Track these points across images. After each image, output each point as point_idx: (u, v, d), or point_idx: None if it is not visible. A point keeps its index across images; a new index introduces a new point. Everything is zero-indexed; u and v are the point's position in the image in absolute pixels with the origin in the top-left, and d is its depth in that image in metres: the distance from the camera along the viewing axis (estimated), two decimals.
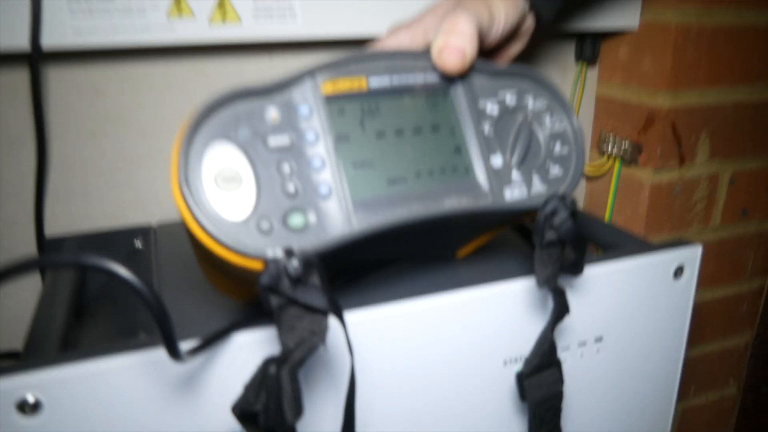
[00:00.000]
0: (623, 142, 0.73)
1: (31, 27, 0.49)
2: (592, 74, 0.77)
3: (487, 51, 0.46)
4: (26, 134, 0.57)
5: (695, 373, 0.88)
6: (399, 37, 0.42)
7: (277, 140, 0.34)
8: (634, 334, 0.47)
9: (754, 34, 0.71)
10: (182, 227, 0.62)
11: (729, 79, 0.71)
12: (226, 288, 0.43)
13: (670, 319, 0.49)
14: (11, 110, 0.56)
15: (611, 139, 0.74)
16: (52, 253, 0.58)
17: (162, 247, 0.58)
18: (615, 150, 0.74)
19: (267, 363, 0.30)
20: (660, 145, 0.70)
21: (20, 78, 0.55)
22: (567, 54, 0.75)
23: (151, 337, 0.34)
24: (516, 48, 0.50)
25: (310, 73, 0.35)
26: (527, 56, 0.51)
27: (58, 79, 0.57)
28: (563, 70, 0.76)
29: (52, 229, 0.60)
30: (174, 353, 0.29)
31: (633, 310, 0.47)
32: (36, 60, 0.51)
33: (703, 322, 0.85)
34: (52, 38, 0.50)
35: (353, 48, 0.64)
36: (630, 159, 0.73)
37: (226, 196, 0.32)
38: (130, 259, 0.61)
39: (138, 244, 0.62)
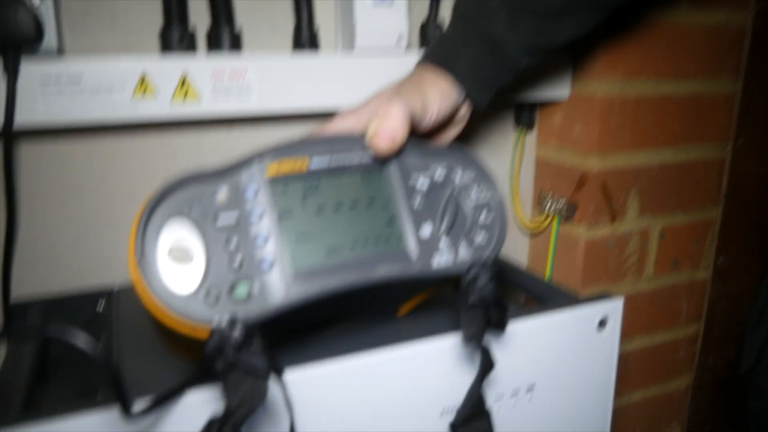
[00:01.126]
0: (560, 200, 0.78)
1: (6, 107, 0.52)
2: (531, 138, 0.83)
3: (424, 134, 0.50)
4: None
5: (639, 417, 0.92)
6: (347, 121, 0.46)
7: (226, 218, 0.37)
8: (563, 383, 0.51)
9: (673, 102, 0.77)
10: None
11: (654, 142, 0.78)
12: (179, 346, 0.46)
13: (597, 368, 0.53)
14: None
15: (549, 198, 0.79)
16: (17, 323, 0.60)
17: (123, 309, 0.60)
18: (553, 208, 0.79)
19: (210, 424, 0.33)
20: (593, 203, 0.76)
21: None
22: (507, 121, 0.81)
23: (107, 397, 0.36)
24: (453, 132, 0.55)
25: (259, 156, 0.39)
26: (469, 124, 0.56)
27: (28, 152, 0.60)
28: (504, 136, 0.81)
29: (18, 291, 0.62)
30: (127, 413, 0.32)
31: (561, 361, 0.50)
32: (9, 137, 0.54)
33: (644, 367, 0.89)
34: (24, 116, 0.53)
35: (307, 121, 0.69)
36: (567, 216, 0.78)
37: (178, 270, 0.35)
38: (92, 322, 0.63)
39: (100, 307, 0.64)
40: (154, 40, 0.61)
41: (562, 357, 0.50)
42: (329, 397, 0.41)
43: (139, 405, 0.34)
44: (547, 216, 0.80)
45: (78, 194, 0.63)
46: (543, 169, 0.82)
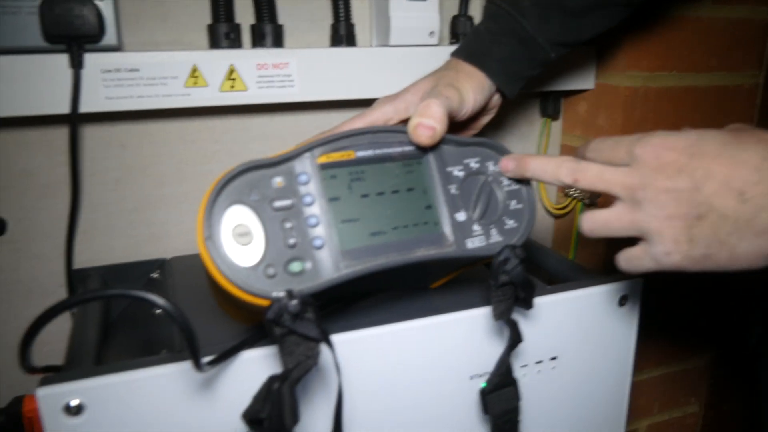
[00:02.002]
0: None
1: (72, 94, 0.56)
2: (557, 127, 0.85)
3: (458, 124, 0.54)
4: (60, 182, 0.64)
5: (659, 392, 0.95)
6: (384, 108, 0.50)
7: (281, 202, 0.41)
8: (585, 355, 0.54)
9: (695, 94, 0.79)
10: (193, 260, 0.70)
11: None
12: (235, 314, 0.51)
13: (617, 342, 0.56)
14: (48, 161, 0.64)
15: None
16: (82, 287, 0.65)
17: (176, 277, 0.65)
18: (577, 193, 0.82)
19: (271, 380, 0.37)
20: None
21: (57, 135, 0.63)
22: (533, 110, 0.84)
23: (173, 354, 0.41)
24: (485, 119, 0.58)
25: (309, 149, 0.43)
26: (499, 112, 0.59)
27: (89, 135, 0.65)
28: (530, 124, 0.84)
29: (79, 261, 0.67)
30: (197, 365, 0.37)
31: (584, 335, 0.54)
32: (74, 122, 0.59)
33: (664, 344, 0.92)
34: (88, 103, 0.58)
35: (343, 108, 0.72)
36: (590, 201, 0.81)
37: (240, 248, 0.40)
38: (149, 288, 0.68)
39: (155, 274, 0.69)
40: (203, 36, 0.65)
41: (585, 331, 0.53)
42: (371, 360, 0.45)
43: (205, 359, 0.38)
44: (572, 200, 0.83)
45: (133, 173, 0.68)
46: (568, 155, 0.84)
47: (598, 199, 0.80)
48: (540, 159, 0.46)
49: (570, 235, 0.85)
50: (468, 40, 0.56)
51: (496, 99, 0.57)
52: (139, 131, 0.67)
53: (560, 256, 0.72)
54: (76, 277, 0.66)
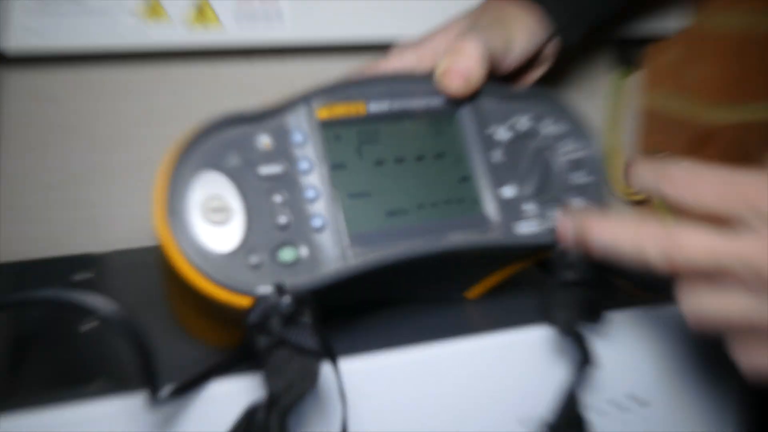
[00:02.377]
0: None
1: None
2: (635, 80, 0.86)
3: (503, 76, 0.54)
4: None
5: None
6: (404, 58, 0.51)
7: (269, 169, 0.42)
8: (687, 398, 0.54)
9: None
10: (137, 257, 0.71)
11: None
12: (200, 331, 0.52)
13: (728, 382, 0.54)
14: None
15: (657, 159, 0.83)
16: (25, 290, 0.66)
17: (113, 279, 0.66)
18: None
19: (253, 410, 0.38)
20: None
21: None
22: (603, 59, 0.84)
23: (115, 383, 0.41)
24: (537, 73, 0.59)
25: (305, 98, 0.44)
26: (556, 61, 0.60)
27: (6, 83, 0.66)
28: (598, 78, 0.85)
29: None
30: (154, 397, 0.37)
31: (683, 369, 0.53)
32: None
33: None
34: (13, 40, 0.59)
35: (348, 54, 0.73)
36: None
37: (214, 228, 0.40)
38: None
39: (82, 275, 0.69)
40: None
41: (685, 364, 0.53)
42: (384, 394, 0.46)
43: (165, 390, 0.39)
44: None
45: (58, 135, 0.69)
46: (651, 121, 0.85)
47: None
48: (611, 222, 0.42)
49: None
50: None
51: (552, 46, 0.58)
52: (69, 79, 0.67)
53: None
54: None
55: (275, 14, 0.64)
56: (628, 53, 0.83)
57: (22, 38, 0.59)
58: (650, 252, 0.39)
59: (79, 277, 0.68)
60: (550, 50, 0.58)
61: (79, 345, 0.58)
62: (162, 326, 0.54)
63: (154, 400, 0.38)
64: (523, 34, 0.53)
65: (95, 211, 0.72)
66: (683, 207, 0.39)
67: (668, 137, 0.84)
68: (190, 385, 0.40)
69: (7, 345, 0.55)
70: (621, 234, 0.41)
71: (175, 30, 0.62)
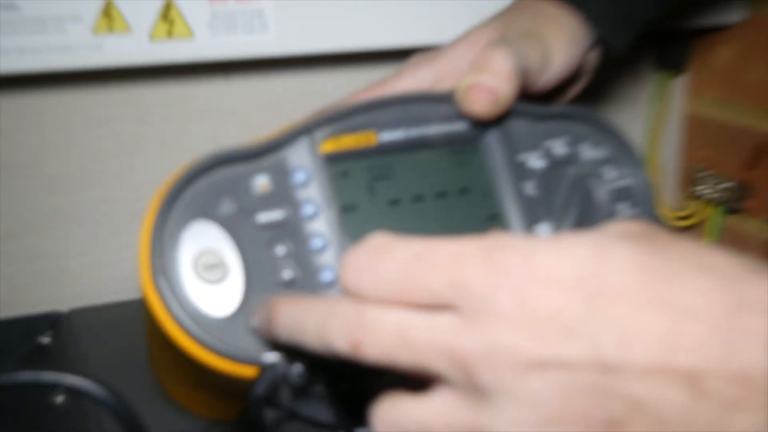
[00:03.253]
0: (724, 180, 0.82)
1: None
2: (680, 85, 0.87)
3: (538, 95, 0.54)
4: None
5: None
6: (419, 76, 0.51)
7: (268, 215, 0.43)
8: None
9: None
10: (106, 313, 0.71)
11: None
12: (192, 401, 0.52)
13: None
14: None
15: (707, 177, 0.84)
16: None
17: (82, 341, 0.66)
18: (713, 193, 0.83)
19: None
20: None
21: None
22: (644, 60, 0.85)
23: None
24: (577, 88, 0.59)
25: (306, 129, 0.44)
26: None
27: None
28: (638, 82, 0.86)
29: None
30: None
31: None
32: None
33: None
34: None
35: (345, 66, 0.74)
36: (734, 205, 0.83)
37: (209, 288, 0.41)
38: (35, 358, 0.69)
39: (45, 338, 0.70)
40: None
41: None
42: None
43: None
44: (703, 203, 0.85)
45: (10, 175, 0.69)
46: (698, 132, 0.86)
47: (746, 202, 0.82)
48: (297, 303, 0.37)
49: None
50: None
51: (594, 57, 0.58)
52: (17, 108, 0.68)
53: None
54: None
55: (257, 20, 0.65)
56: (673, 52, 0.84)
57: None
58: (334, 333, 0.34)
59: (44, 339, 0.68)
60: (592, 62, 0.58)
61: (48, 423, 0.58)
62: (146, 395, 0.54)
63: None
64: (562, 47, 0.52)
65: (57, 262, 0.72)
66: (368, 297, 0.33)
67: (719, 150, 0.84)
68: None
69: None
70: (305, 311, 0.36)
71: (137, 43, 0.62)
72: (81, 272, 0.73)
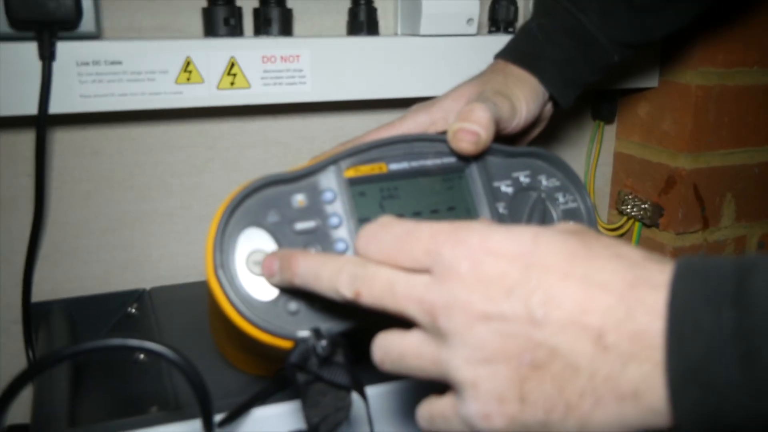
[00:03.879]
0: (643, 202, 0.82)
1: (41, 92, 0.57)
2: (611, 131, 0.86)
3: (509, 137, 0.54)
4: (20, 195, 0.65)
5: None
6: (418, 120, 0.51)
7: (304, 224, 0.42)
8: None
9: None
10: (179, 291, 0.70)
11: (754, 140, 0.81)
12: (241, 362, 0.51)
13: None
14: (7, 170, 0.64)
15: (631, 199, 0.83)
16: (42, 325, 0.66)
17: (159, 313, 0.65)
18: (635, 211, 0.82)
19: None
20: (682, 207, 0.79)
21: (20, 139, 0.64)
22: (584, 111, 0.85)
23: (172, 412, 0.41)
24: (535, 132, 0.59)
25: (334, 161, 0.44)
26: None
27: (57, 140, 0.66)
28: (580, 128, 0.85)
29: (39, 292, 0.67)
30: (209, 427, 0.37)
31: None
32: (43, 126, 0.59)
33: None
34: (59, 104, 0.58)
35: (360, 110, 0.73)
36: (651, 221, 0.81)
37: (257, 279, 0.40)
38: (125, 325, 0.69)
39: (132, 309, 0.69)
40: (197, 21, 0.66)
41: None
42: (407, 416, 0.45)
43: (217, 418, 0.38)
44: (628, 219, 0.84)
45: (108, 186, 0.68)
46: (623, 166, 0.86)
47: (660, 219, 0.81)
48: (315, 259, 0.38)
49: None
50: (517, 40, 0.57)
51: (548, 109, 0.58)
52: (117, 135, 0.67)
53: None
54: (35, 312, 0.66)
55: (297, 76, 0.64)
56: (606, 106, 0.83)
57: (65, 101, 0.58)
58: (342, 283, 0.35)
59: (132, 310, 0.68)
60: (546, 113, 0.58)
61: (132, 375, 0.57)
62: (207, 355, 0.54)
63: (209, 429, 0.37)
64: (525, 102, 0.52)
65: (142, 252, 0.71)
66: (373, 260, 0.35)
67: (639, 180, 0.84)
68: (237, 412, 0.40)
69: (66, 375, 0.54)
70: (322, 266, 0.37)
71: (208, 91, 0.62)
72: (160, 260, 0.72)
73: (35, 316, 0.66)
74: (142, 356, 0.59)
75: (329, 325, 0.41)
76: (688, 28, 0.74)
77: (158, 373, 0.55)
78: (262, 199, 0.42)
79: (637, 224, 0.83)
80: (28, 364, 0.66)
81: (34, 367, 0.35)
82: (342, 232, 0.43)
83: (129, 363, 0.59)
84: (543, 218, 0.49)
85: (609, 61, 0.57)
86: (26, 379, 0.34)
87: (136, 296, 0.70)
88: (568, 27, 0.55)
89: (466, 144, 0.47)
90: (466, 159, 0.48)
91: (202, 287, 0.45)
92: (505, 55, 0.56)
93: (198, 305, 0.60)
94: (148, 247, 0.71)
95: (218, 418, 0.39)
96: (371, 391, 0.44)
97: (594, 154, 0.85)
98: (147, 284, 0.71)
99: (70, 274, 0.69)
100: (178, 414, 0.40)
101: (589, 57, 0.56)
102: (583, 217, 0.51)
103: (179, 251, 0.72)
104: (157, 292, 0.70)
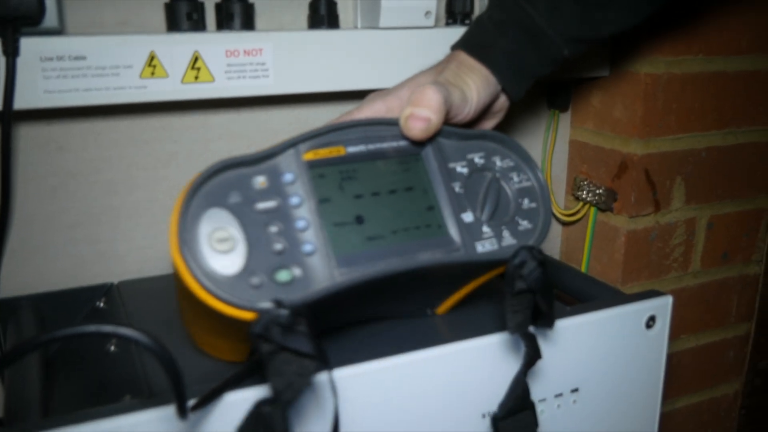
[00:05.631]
0: (598, 188, 0.84)
1: (5, 88, 0.57)
2: (565, 119, 0.89)
3: (461, 126, 0.56)
4: None
5: (684, 425, 0.98)
6: (375, 108, 0.52)
7: (265, 204, 0.43)
8: (609, 385, 0.56)
9: (724, 80, 0.83)
10: (147, 284, 0.70)
11: (702, 125, 0.84)
12: (213, 347, 0.52)
13: (644, 369, 0.58)
14: None
15: (586, 185, 0.85)
16: (11, 320, 0.65)
17: (128, 305, 0.66)
18: (590, 196, 0.85)
19: (260, 404, 0.39)
20: (634, 191, 0.82)
21: None
22: (539, 101, 0.87)
23: (146, 399, 0.41)
24: (489, 124, 0.60)
25: (293, 144, 0.45)
26: None
27: (22, 136, 0.66)
28: (535, 117, 0.87)
29: (6, 288, 0.67)
30: (182, 410, 0.38)
31: (607, 361, 0.56)
32: (8, 121, 0.59)
33: (689, 371, 0.95)
34: (23, 100, 0.58)
35: (323, 102, 0.74)
36: (605, 205, 0.84)
37: (220, 256, 0.41)
38: (94, 319, 0.69)
39: (100, 303, 0.69)
40: (158, 15, 0.67)
41: (608, 357, 0.56)
42: (370, 397, 0.47)
43: (190, 402, 0.39)
44: (584, 204, 0.86)
45: (74, 181, 0.68)
46: (578, 153, 0.88)
47: (614, 203, 0.83)
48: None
49: (581, 245, 0.88)
50: (470, 31, 0.59)
51: (503, 101, 0.59)
52: (82, 130, 0.68)
53: (574, 269, 0.74)
54: (3, 309, 0.66)
55: (260, 69, 0.65)
56: (561, 95, 0.85)
57: (29, 97, 0.59)
58: None
59: (100, 304, 0.68)
60: (500, 105, 0.59)
61: (104, 366, 0.58)
62: (178, 345, 0.54)
63: (183, 413, 0.38)
64: (476, 90, 0.54)
65: (109, 246, 0.72)
66: None
67: (593, 166, 0.87)
68: (210, 396, 0.41)
69: (38, 367, 0.54)
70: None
71: (172, 85, 0.63)
72: (127, 253, 0.72)
73: (3, 312, 0.66)
74: (113, 347, 0.60)
75: (292, 297, 0.42)
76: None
77: (131, 363, 0.55)
78: (223, 181, 0.43)
79: (593, 209, 0.86)
80: (1, 352, 0.65)
81: (8, 354, 0.36)
82: (303, 211, 0.44)
83: (101, 354, 0.59)
84: (498, 197, 0.51)
85: (559, 54, 0.58)
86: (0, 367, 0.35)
87: (105, 290, 0.70)
88: (518, 20, 0.56)
89: (417, 131, 0.48)
90: (420, 143, 0.50)
91: (171, 280, 0.45)
92: (459, 45, 0.58)
93: (167, 298, 0.61)
94: (115, 241, 0.71)
95: (191, 403, 0.39)
96: (337, 372, 0.44)
97: (550, 142, 0.87)
98: (115, 278, 0.71)
99: (38, 269, 0.69)
100: (151, 401, 0.41)
101: (538, 50, 0.57)
102: (537, 194, 0.52)
103: (146, 245, 0.72)
104: (125, 286, 0.70)
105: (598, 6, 0.57)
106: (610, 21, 0.58)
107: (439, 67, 0.56)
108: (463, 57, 0.56)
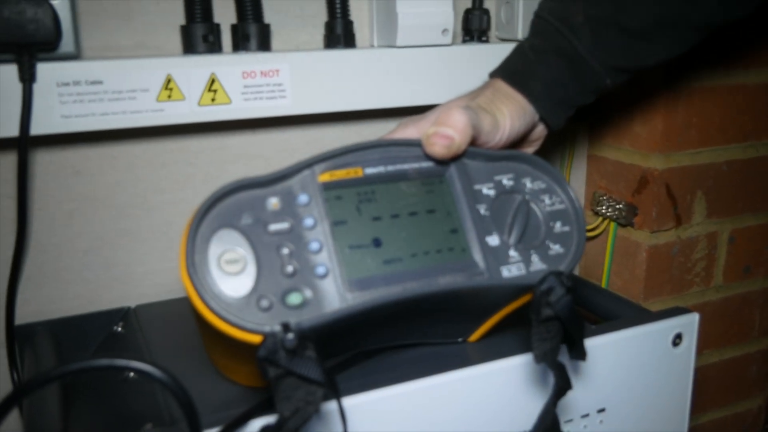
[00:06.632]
0: (618, 203, 0.82)
1: (22, 114, 0.56)
2: (584, 134, 0.87)
3: None
4: (4, 218, 0.64)
5: None
6: (407, 132, 0.51)
7: (277, 226, 0.42)
8: (636, 404, 0.55)
9: (744, 93, 0.82)
10: (164, 308, 0.69)
11: (721, 138, 0.82)
12: (233, 372, 0.51)
13: (671, 387, 0.57)
14: None
15: (605, 200, 0.84)
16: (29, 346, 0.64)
17: (146, 330, 0.65)
18: (609, 211, 0.83)
19: (264, 430, 0.37)
20: (655, 206, 0.80)
21: (2, 162, 0.63)
22: None
23: (163, 429, 0.40)
24: (528, 152, 0.58)
25: (309, 165, 0.44)
26: None
27: (38, 161, 0.65)
28: (557, 133, 0.85)
29: (23, 314, 0.66)
30: None
31: (633, 380, 0.54)
32: (25, 147, 0.58)
33: (712, 386, 0.93)
34: (40, 125, 0.58)
35: (339, 122, 0.73)
36: (626, 220, 0.82)
37: (229, 277, 0.40)
38: (112, 344, 0.68)
39: (118, 327, 0.68)
40: (175, 38, 0.66)
41: (634, 377, 0.54)
42: (387, 424, 0.45)
43: None
44: (603, 220, 0.85)
45: (90, 205, 0.68)
46: (597, 168, 0.86)
47: (634, 218, 0.82)
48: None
49: (601, 261, 0.86)
50: (509, 59, 0.57)
51: (541, 129, 0.58)
52: (98, 154, 0.67)
53: (596, 286, 0.73)
54: (19, 335, 0.65)
55: (277, 90, 0.64)
56: (581, 112, 0.84)
57: (46, 122, 0.58)
58: None
59: (117, 328, 0.67)
60: (538, 133, 0.58)
61: (123, 393, 0.56)
62: (198, 370, 0.54)
63: None
64: (509, 118, 0.52)
65: (126, 270, 0.71)
66: None
67: (613, 181, 0.85)
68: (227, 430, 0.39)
69: (57, 395, 0.53)
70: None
71: (189, 107, 0.62)
72: (144, 277, 0.72)
73: (19, 338, 0.65)
74: (132, 374, 0.59)
75: (302, 320, 0.41)
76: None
77: (150, 389, 0.54)
78: (236, 203, 0.42)
79: (613, 224, 0.84)
80: (13, 386, 0.64)
81: (20, 389, 0.35)
82: (316, 233, 0.43)
83: (119, 380, 0.58)
84: (527, 220, 0.49)
85: (601, 83, 0.56)
86: (12, 402, 0.34)
87: (122, 314, 0.69)
88: (560, 48, 0.55)
89: (438, 148, 0.47)
90: (444, 163, 0.48)
91: (187, 302, 0.44)
92: (497, 73, 0.56)
93: (185, 321, 0.60)
94: (132, 265, 0.70)
95: None
96: (350, 401, 0.43)
97: (568, 158, 0.86)
98: (132, 302, 0.70)
99: (54, 294, 0.68)
100: (173, 430, 0.40)
101: (580, 79, 0.55)
102: (571, 217, 0.50)
103: (163, 268, 0.71)
104: (142, 310, 0.69)
105: (644, 37, 0.55)
106: (656, 52, 0.56)
107: (475, 93, 0.55)
108: (500, 84, 0.55)
